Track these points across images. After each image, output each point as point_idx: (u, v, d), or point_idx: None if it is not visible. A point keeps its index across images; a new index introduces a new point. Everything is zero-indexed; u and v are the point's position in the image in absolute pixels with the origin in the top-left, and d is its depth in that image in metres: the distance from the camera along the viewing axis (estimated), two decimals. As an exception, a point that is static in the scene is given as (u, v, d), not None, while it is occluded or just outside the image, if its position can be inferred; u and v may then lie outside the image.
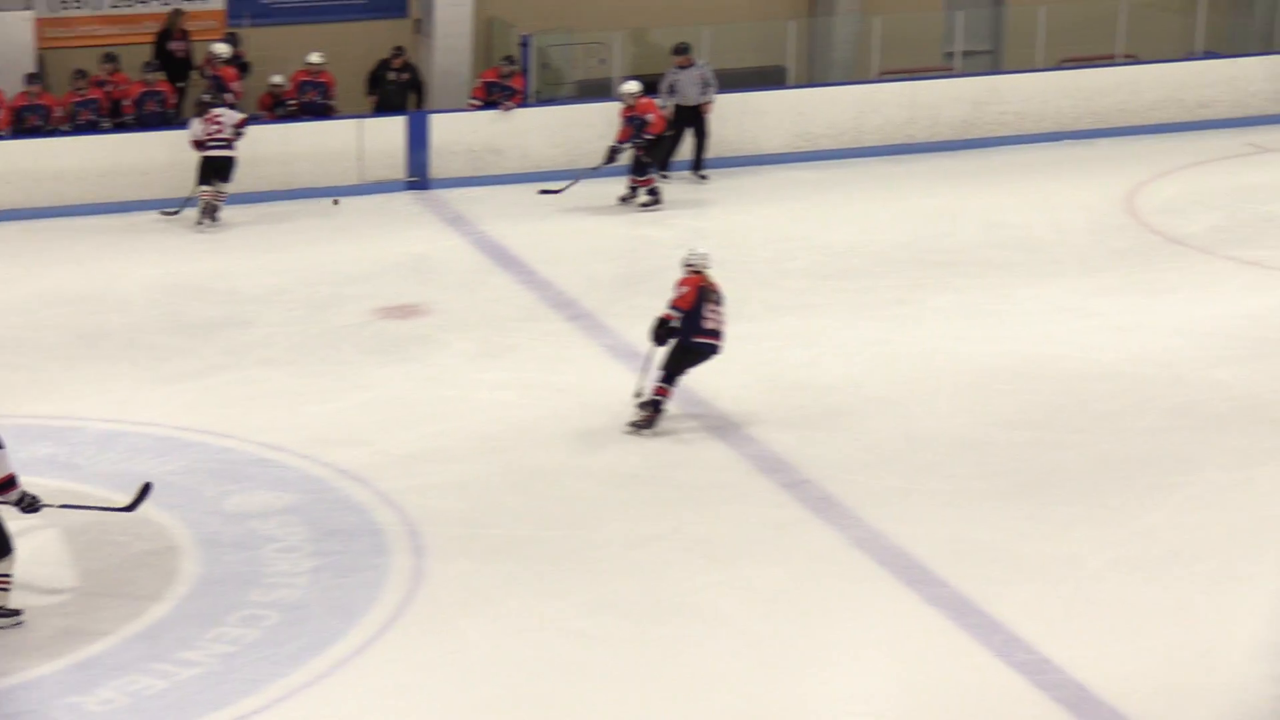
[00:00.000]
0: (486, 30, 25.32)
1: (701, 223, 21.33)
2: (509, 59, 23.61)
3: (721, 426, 15.06)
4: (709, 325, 15.00)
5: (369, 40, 24.60)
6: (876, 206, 21.90)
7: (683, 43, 23.20)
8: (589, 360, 16.78)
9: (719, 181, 23.08)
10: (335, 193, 22.39)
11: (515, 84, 23.39)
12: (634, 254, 20.30)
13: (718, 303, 15.08)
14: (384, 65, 23.79)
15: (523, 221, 21.25)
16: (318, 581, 12.39)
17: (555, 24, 25.28)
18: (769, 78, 25.27)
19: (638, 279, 19.20)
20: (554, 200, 21.96)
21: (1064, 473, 14.06)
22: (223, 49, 22.89)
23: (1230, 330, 17.01)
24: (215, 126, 21.11)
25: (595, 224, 21.27)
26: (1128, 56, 26.29)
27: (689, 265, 15.20)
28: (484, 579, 12.47)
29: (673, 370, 15.02)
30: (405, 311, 18.17)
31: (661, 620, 11.90)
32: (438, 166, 22.95)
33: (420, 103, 23.91)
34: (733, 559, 12.74)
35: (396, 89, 23.74)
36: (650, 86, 22.66)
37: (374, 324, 17.83)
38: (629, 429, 15.00)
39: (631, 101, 22.04)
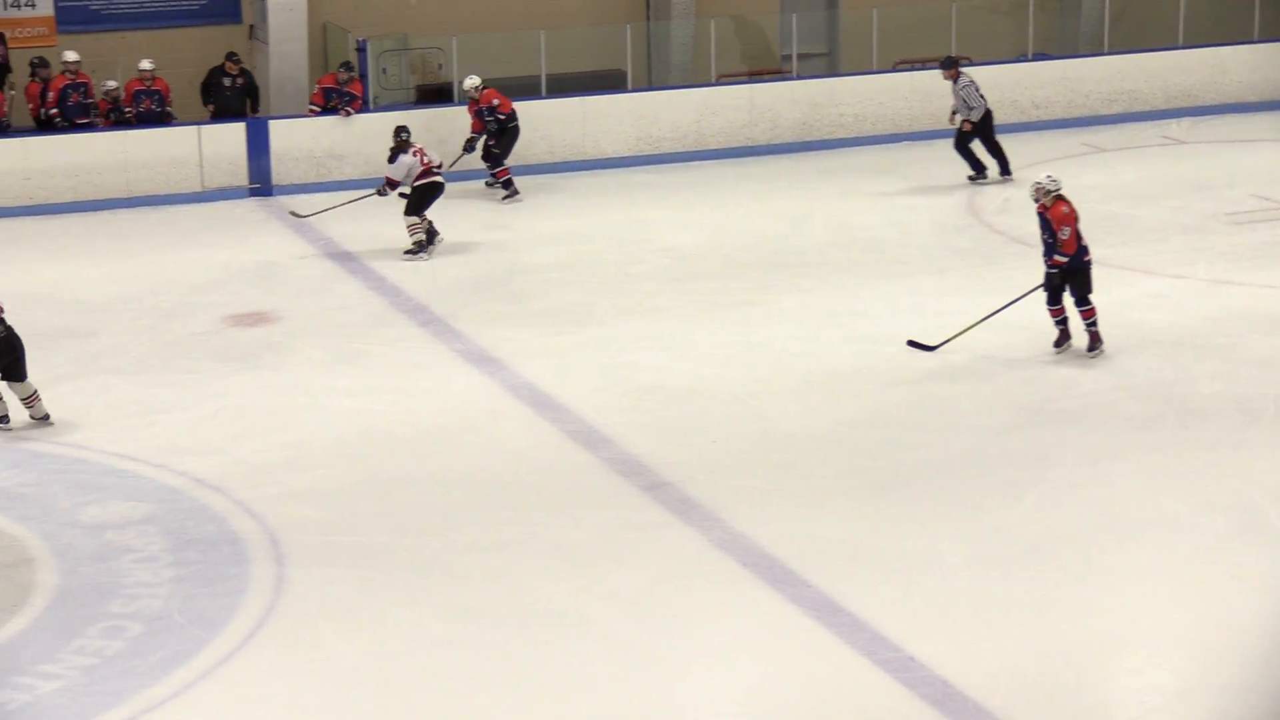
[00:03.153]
0: (321, 36, 25.17)
1: (547, 227, 21.35)
2: (347, 65, 23.48)
3: (578, 431, 15.05)
4: (1084, 242, 16.34)
5: (202, 46, 24.39)
6: (722, 209, 22.04)
7: (948, 56, 23.52)
8: (441, 365, 16.71)
9: (562, 185, 23.12)
10: (177, 200, 22.20)
11: (354, 89, 23.27)
12: (479, 258, 20.24)
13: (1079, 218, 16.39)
14: (218, 71, 23.55)
15: (367, 226, 21.13)
16: (179, 591, 12.25)
17: (390, 30, 25.18)
18: (608, 81, 25.31)
19: (484, 283, 19.19)
20: (398, 206, 21.85)
21: (919, 470, 14.17)
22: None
23: (1074, 328, 17.19)
24: None
25: (439, 228, 21.16)
26: (961, 59, 26.55)
27: (1050, 192, 16.27)
28: (344, 586, 12.40)
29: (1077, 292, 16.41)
30: (254, 319, 18.03)
31: (523, 626, 11.87)
32: (279, 173, 22.82)
33: (256, 109, 23.70)
34: (594, 563, 12.73)
35: (232, 95, 23.51)
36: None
37: (223, 332, 17.68)
38: (1092, 352, 16.38)
39: (476, 95, 22.41)
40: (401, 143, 20.28)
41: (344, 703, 10.99)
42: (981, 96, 22.69)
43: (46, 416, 15.25)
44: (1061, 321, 16.61)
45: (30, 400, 15.19)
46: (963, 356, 16.55)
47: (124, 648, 11.50)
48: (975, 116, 22.64)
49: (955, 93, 22.86)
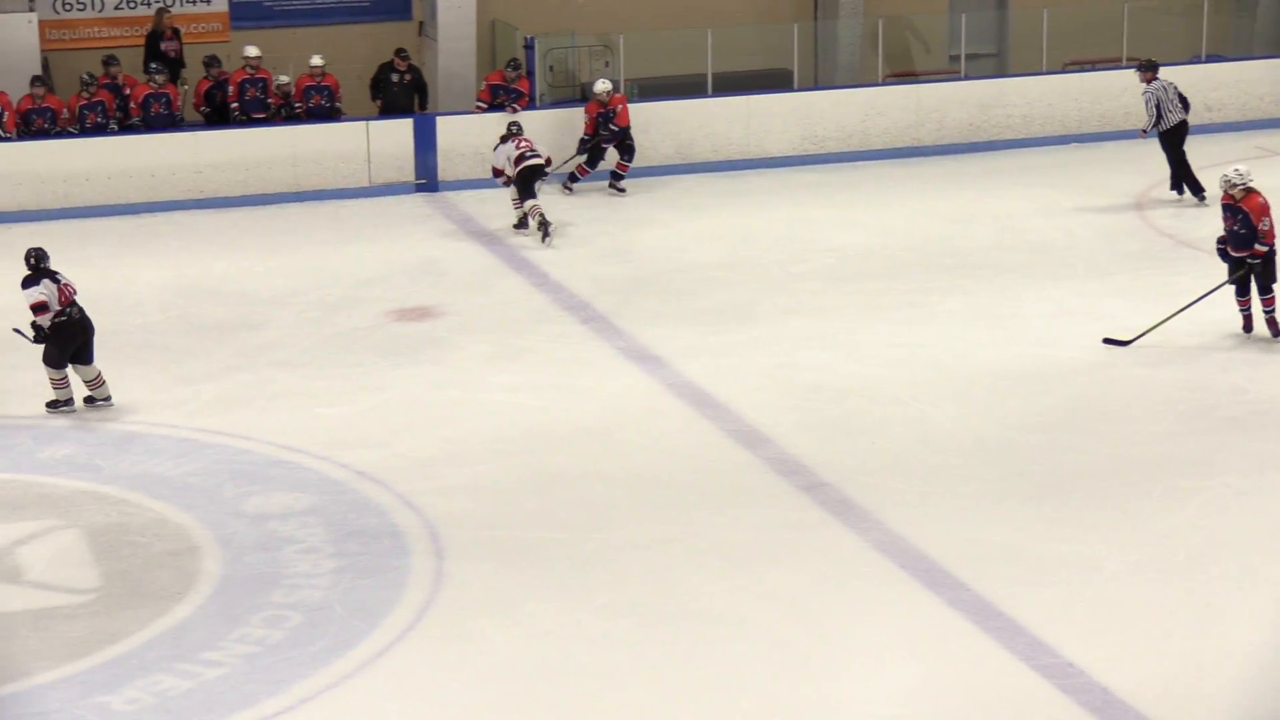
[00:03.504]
0: (489, 33, 25.34)
1: (710, 226, 21.36)
2: (515, 62, 23.61)
3: (738, 430, 15.05)
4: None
5: (372, 42, 24.64)
6: (886, 209, 21.95)
7: (1148, 59, 22.70)
8: (603, 363, 16.77)
9: (726, 183, 23.12)
10: (344, 195, 22.46)
11: (521, 86, 23.41)
12: (642, 256, 20.30)
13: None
14: (387, 68, 23.76)
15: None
16: (339, 583, 12.39)
17: (558, 27, 25.27)
18: (774, 80, 25.28)
19: (647, 281, 19.22)
20: (560, 201, 22.04)
21: (1081, 475, 14.04)
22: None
23: (1244, 334, 17.00)
24: None
25: (601, 226, 21.29)
26: (1133, 60, 26.25)
27: (1237, 185, 16.75)
28: (504, 581, 12.46)
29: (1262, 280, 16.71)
30: (418, 314, 18.18)
31: (681, 623, 11.88)
32: (445, 168, 23.01)
33: (423, 105, 23.89)
34: (752, 562, 12.72)
35: (400, 91, 23.72)
36: (655, 89, 22.74)
37: (387, 326, 17.85)
38: (1277, 337, 16.74)
39: (605, 99, 22.60)
40: (506, 134, 21.00)
41: (500, 697, 11.05)
42: (1157, 109, 21.77)
43: (109, 399, 15.61)
44: (1246, 310, 16.74)
45: (95, 383, 15.55)
46: (1127, 360, 16.40)
47: (285, 637, 11.65)
48: (1148, 126, 21.98)
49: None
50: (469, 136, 23.09)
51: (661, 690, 11.10)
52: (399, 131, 22.99)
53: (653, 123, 23.54)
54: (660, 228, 21.36)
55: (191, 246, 20.73)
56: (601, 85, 22.75)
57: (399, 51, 23.72)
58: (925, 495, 13.74)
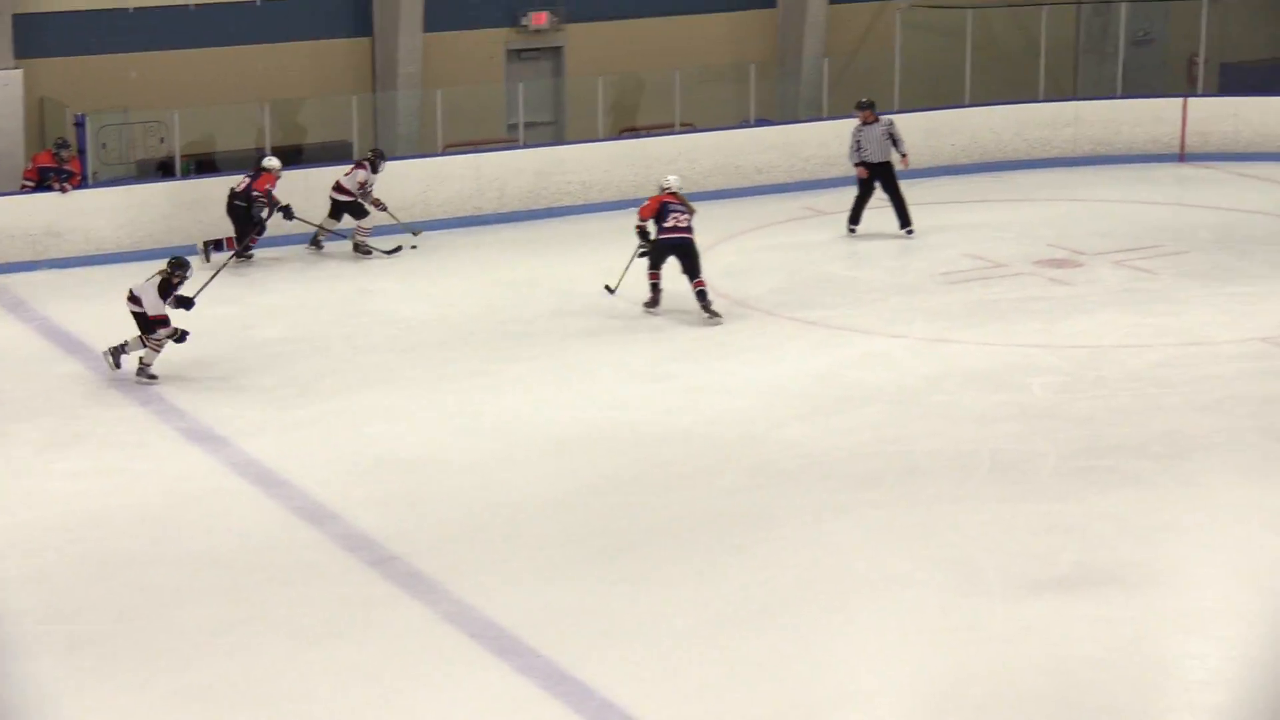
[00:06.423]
0: (39, 110, 24.70)
1: (272, 301, 21.14)
2: (62, 141, 23.07)
3: (305, 507, 14.87)
4: (669, 224, 19.84)
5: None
6: (451, 279, 22.00)
7: (866, 99, 23.74)
8: (165, 445, 16.45)
9: (285, 256, 22.93)
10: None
11: (73, 166, 22.89)
12: (206, 335, 19.92)
13: (681, 211, 19.93)
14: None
15: (88, 305, 20.79)
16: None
17: (111, 104, 24.79)
18: (335, 153, 25.16)
19: (208, 359, 18.85)
20: (122, 281, 21.61)
21: (649, 534, 14.21)
22: None
23: (797, 389, 17.48)
24: None
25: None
26: (685, 125, 26.89)
27: (664, 188, 20.26)
28: (64, 675, 12.08)
29: (655, 259, 20.18)
30: (-34, 403, 17.61)
31: (250, 707, 11.68)
32: (-2, 251, 22.35)
33: (-31, 186, 23.21)
34: (321, 639, 12.56)
35: (-57, 174, 23.02)
36: (216, 165, 22.46)
37: (-65, 417, 17.24)
38: (645, 310, 20.05)
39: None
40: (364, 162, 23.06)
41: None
42: (859, 147, 23.42)
43: None
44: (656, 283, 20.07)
45: None
46: (688, 419, 16.72)
47: None
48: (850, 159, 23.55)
49: (878, 131, 23.43)
50: (18, 218, 22.48)
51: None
52: (-56, 214, 22.27)
53: (212, 200, 23.19)
54: (222, 304, 20.99)
55: None
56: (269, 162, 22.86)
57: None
58: (497, 562, 13.76)
